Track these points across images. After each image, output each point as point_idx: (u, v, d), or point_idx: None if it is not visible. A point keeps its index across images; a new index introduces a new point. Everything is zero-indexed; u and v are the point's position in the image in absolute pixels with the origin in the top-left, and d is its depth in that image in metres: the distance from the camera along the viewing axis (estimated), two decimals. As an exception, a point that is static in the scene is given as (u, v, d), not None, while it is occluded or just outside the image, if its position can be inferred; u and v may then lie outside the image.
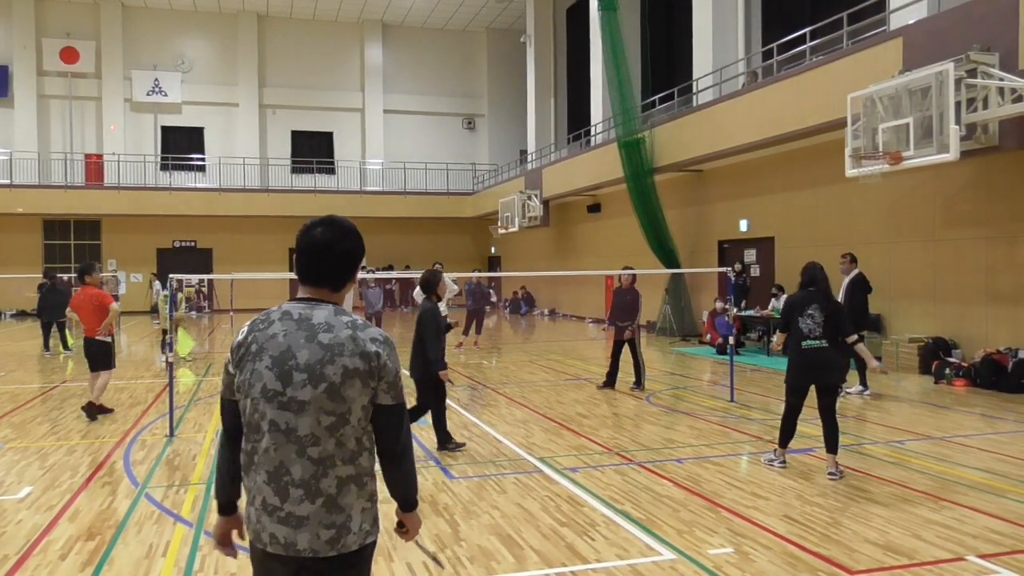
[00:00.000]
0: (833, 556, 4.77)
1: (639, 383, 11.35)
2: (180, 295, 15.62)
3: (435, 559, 4.27)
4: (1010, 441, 7.88)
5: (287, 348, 2.44)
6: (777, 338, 6.97)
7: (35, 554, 4.97)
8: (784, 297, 15.23)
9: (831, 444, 6.58)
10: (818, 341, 6.52)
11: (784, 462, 6.93)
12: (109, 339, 9.45)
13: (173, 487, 6.48)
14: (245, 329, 2.58)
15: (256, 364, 2.46)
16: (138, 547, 5.06)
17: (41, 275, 20.82)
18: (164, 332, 15.43)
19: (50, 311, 16.92)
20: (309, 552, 2.41)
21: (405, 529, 2.73)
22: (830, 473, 6.52)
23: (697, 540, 5.08)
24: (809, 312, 6.56)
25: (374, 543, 2.55)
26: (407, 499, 2.67)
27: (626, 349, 11.31)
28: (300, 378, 2.41)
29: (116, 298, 27.92)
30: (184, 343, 15.52)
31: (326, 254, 2.55)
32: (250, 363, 2.48)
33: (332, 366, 2.40)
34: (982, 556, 4.74)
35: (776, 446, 7.03)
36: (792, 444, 7.73)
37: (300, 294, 2.60)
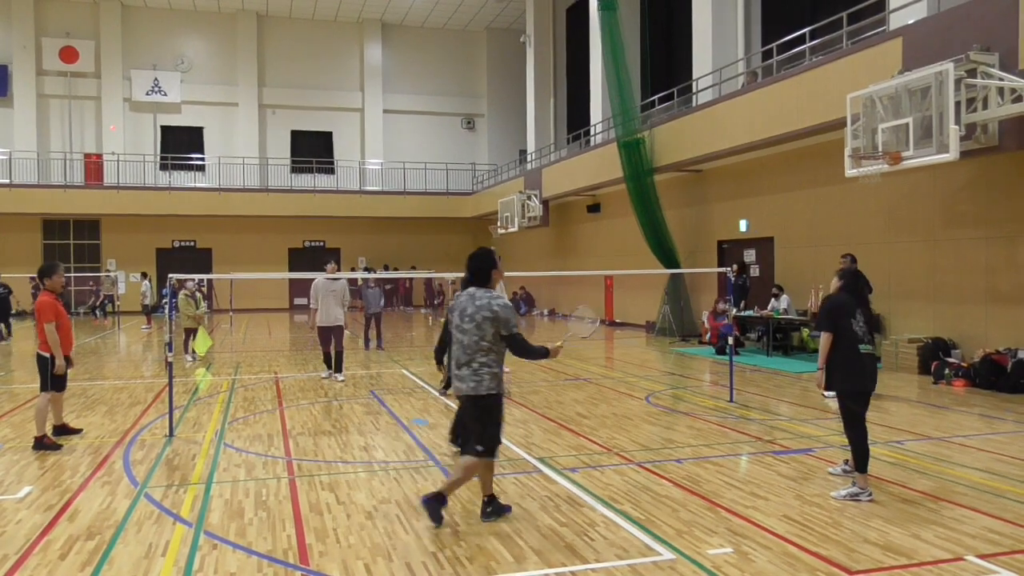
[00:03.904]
0: (832, 556, 4.77)
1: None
2: (183, 293, 15.58)
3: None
4: (1009, 441, 7.88)
5: (464, 307, 5.48)
6: (824, 341, 6.17)
7: (35, 553, 4.97)
8: (784, 296, 15.30)
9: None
10: (868, 346, 6.22)
11: (871, 494, 5.92)
12: (47, 356, 8.01)
13: (172, 487, 6.48)
14: (453, 301, 5.75)
15: (454, 312, 5.54)
16: (138, 547, 5.07)
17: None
18: (187, 331, 15.49)
19: None
20: (466, 393, 5.44)
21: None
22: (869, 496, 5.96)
23: (696, 540, 5.08)
24: (855, 316, 6.21)
25: (497, 395, 5.44)
26: (536, 359, 5.86)
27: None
28: (467, 318, 5.43)
29: (100, 309, 27.94)
30: (203, 341, 15.54)
31: (475, 270, 5.59)
32: (452, 311, 5.57)
33: (479, 314, 5.38)
34: (981, 556, 4.74)
35: (853, 477, 6.07)
36: (791, 444, 7.77)
37: (468, 286, 5.59)
